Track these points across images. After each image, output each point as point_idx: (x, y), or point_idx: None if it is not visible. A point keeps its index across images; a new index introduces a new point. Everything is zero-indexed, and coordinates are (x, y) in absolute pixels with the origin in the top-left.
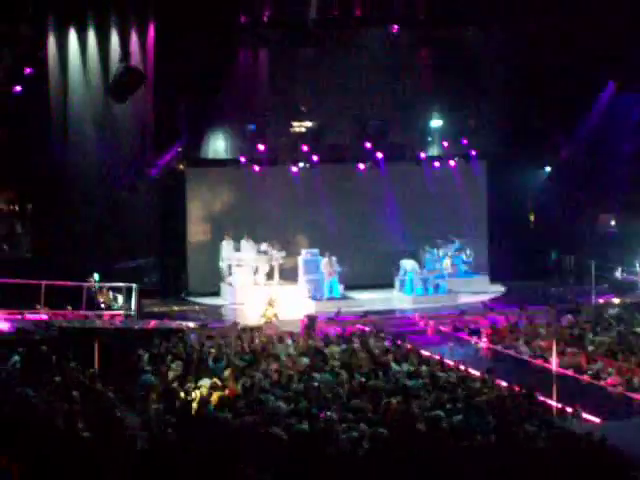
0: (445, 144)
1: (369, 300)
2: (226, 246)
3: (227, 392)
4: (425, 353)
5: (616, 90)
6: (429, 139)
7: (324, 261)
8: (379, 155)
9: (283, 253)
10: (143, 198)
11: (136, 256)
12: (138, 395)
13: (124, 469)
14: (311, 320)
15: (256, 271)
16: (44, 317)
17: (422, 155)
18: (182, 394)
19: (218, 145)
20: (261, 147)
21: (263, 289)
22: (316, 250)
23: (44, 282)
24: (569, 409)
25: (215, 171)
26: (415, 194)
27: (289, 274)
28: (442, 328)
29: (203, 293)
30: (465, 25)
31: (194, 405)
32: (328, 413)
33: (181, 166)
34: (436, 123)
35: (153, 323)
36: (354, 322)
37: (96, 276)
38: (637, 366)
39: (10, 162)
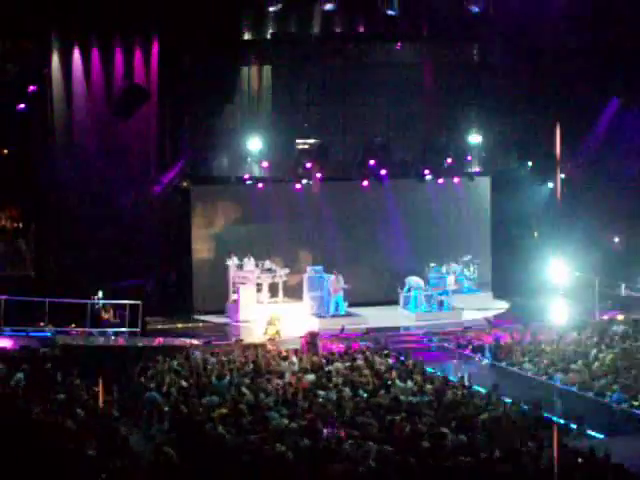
0: (449, 161)
1: (373, 317)
2: (232, 264)
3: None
4: (429, 370)
5: (621, 107)
6: (433, 156)
7: (332, 278)
8: (383, 172)
9: (287, 270)
10: (147, 215)
11: (141, 273)
12: (142, 412)
13: None
14: (313, 337)
15: (260, 289)
16: (48, 335)
17: (426, 172)
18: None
19: (222, 162)
20: (265, 164)
21: (267, 306)
22: (320, 267)
23: (48, 300)
24: (574, 426)
25: (219, 188)
26: (419, 211)
27: (293, 291)
28: (446, 345)
29: (208, 311)
30: (468, 42)
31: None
32: (333, 430)
33: (185, 183)
34: (440, 140)
35: (157, 340)
36: (358, 339)
37: (100, 294)
38: None
39: (14, 179)
